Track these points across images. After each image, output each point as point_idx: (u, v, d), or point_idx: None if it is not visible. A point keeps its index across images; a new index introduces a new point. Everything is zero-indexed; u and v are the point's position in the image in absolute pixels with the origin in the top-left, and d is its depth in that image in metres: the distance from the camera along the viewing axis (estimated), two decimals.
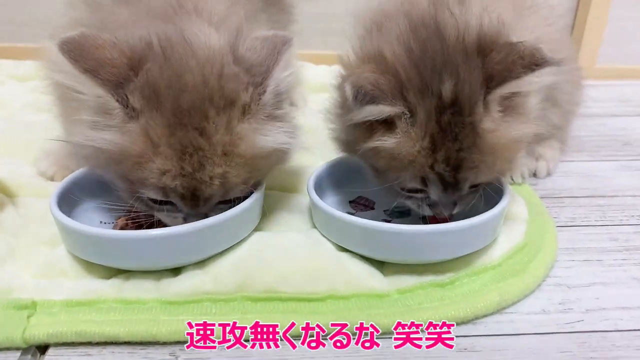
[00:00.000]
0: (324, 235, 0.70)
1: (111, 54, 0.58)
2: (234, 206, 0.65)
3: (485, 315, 0.63)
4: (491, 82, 0.60)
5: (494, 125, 0.61)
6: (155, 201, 0.62)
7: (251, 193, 0.67)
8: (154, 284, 0.63)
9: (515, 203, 0.80)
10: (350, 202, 0.81)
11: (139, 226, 0.70)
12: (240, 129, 0.60)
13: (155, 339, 0.58)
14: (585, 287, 0.69)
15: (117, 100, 0.58)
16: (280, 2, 1.05)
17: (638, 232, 0.81)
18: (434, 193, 0.65)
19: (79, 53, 0.56)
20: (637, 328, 0.62)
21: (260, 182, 0.69)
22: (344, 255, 0.67)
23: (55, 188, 0.70)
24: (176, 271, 0.65)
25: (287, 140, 0.64)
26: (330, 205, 0.69)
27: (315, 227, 0.73)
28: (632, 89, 1.44)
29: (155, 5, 0.68)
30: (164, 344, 0.58)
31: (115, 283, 0.63)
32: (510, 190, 0.70)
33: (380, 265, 0.67)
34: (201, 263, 0.65)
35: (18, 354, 0.57)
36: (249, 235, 0.69)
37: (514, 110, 0.63)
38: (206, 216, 0.64)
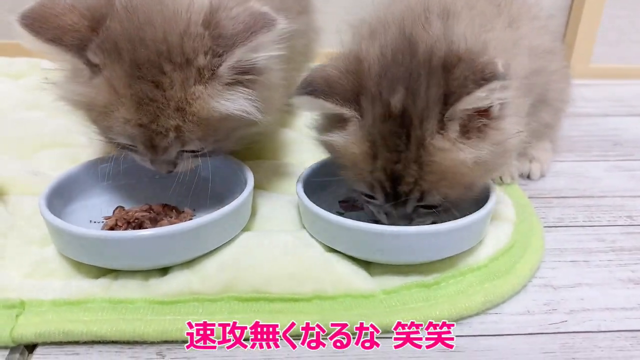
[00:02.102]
0: (312, 236, 0.71)
1: (71, 19, 0.60)
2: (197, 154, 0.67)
3: (469, 316, 0.64)
4: (449, 98, 0.59)
5: (447, 144, 0.60)
6: (125, 145, 0.66)
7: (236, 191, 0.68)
8: (142, 284, 0.64)
9: (503, 204, 0.80)
10: (340, 202, 0.81)
11: (128, 224, 0.71)
12: (196, 89, 0.62)
13: (143, 338, 0.58)
14: (571, 288, 0.70)
15: (84, 62, 0.60)
16: (311, 15, 1.05)
17: (625, 233, 0.82)
18: (380, 201, 0.66)
19: (39, 24, 0.59)
20: (620, 329, 0.63)
21: (225, 146, 0.70)
22: (332, 255, 0.67)
23: (45, 187, 0.70)
24: (164, 271, 0.65)
25: (248, 108, 0.64)
26: (319, 205, 0.69)
27: (304, 227, 0.73)
28: (625, 88, 1.45)
29: None
30: (152, 343, 0.59)
31: (103, 283, 0.64)
32: (496, 192, 0.70)
33: (367, 265, 0.68)
34: (189, 263, 0.65)
35: (6, 352, 0.58)
36: (238, 236, 0.69)
37: (479, 134, 0.61)
38: (174, 164, 0.68)
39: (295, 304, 0.63)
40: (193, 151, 0.67)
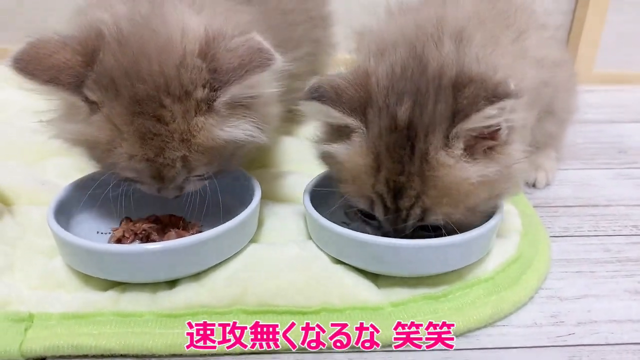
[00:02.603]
0: (319, 247, 0.71)
1: (64, 57, 0.59)
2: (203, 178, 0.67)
3: (477, 328, 0.64)
4: (457, 117, 0.59)
5: (450, 161, 0.60)
6: (130, 178, 0.65)
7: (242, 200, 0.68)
8: (150, 297, 0.64)
9: (509, 214, 0.80)
10: (345, 211, 0.81)
11: (135, 236, 0.71)
12: (198, 120, 0.61)
13: (151, 352, 0.58)
14: (577, 300, 0.70)
15: (82, 100, 0.60)
16: (329, 29, 1.06)
17: (630, 242, 0.82)
18: (379, 216, 0.65)
19: (34, 66, 0.57)
20: (627, 342, 0.63)
21: (231, 166, 0.70)
22: (339, 267, 0.68)
23: (53, 198, 0.71)
24: (172, 283, 0.66)
25: (251, 133, 0.64)
26: (325, 214, 0.69)
27: (310, 238, 0.73)
28: (628, 94, 1.45)
29: None
30: (160, 357, 0.59)
31: (111, 295, 0.64)
32: (503, 204, 0.70)
33: (374, 277, 0.68)
34: (197, 275, 0.65)
35: None
36: (245, 247, 0.69)
37: (484, 156, 0.61)
38: (180, 188, 0.67)
39: (303, 317, 0.63)
40: (199, 175, 0.66)
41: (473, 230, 0.64)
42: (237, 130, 0.63)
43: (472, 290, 0.67)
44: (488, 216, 0.67)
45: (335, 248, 0.68)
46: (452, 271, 0.67)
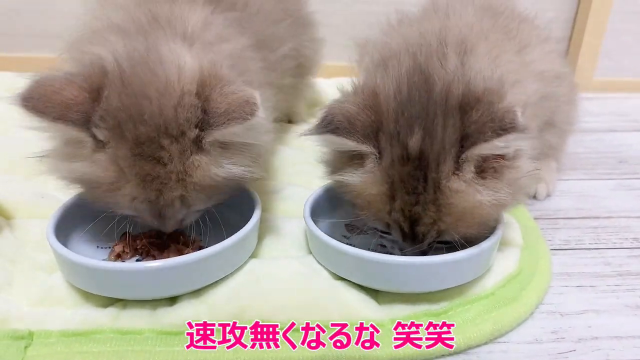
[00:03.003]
0: (319, 263, 0.71)
1: (72, 94, 0.59)
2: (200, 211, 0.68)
3: (478, 345, 0.64)
4: (466, 141, 0.59)
5: (463, 186, 0.60)
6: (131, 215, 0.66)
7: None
8: (150, 313, 0.64)
9: (510, 227, 0.80)
10: (346, 225, 0.81)
11: (135, 252, 0.71)
12: (194, 159, 0.62)
13: None
14: (578, 315, 0.69)
15: (89, 135, 0.60)
16: (311, 27, 1.09)
17: (631, 256, 0.82)
18: (396, 239, 0.66)
19: (42, 104, 0.57)
20: (628, 359, 0.63)
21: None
22: (339, 284, 0.67)
23: (52, 213, 0.70)
24: (172, 300, 0.65)
25: (246, 171, 0.65)
26: (325, 228, 0.69)
27: (311, 253, 0.73)
28: (629, 102, 1.45)
29: (130, 13, 0.70)
30: None
31: (111, 312, 0.64)
32: (504, 218, 0.70)
33: (375, 294, 0.68)
34: (197, 292, 0.65)
35: None
36: (245, 263, 0.69)
37: (494, 174, 0.61)
38: (180, 223, 0.68)
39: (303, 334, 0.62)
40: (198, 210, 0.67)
41: (474, 247, 0.64)
42: (231, 168, 0.64)
43: (473, 306, 0.67)
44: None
45: (335, 264, 0.68)
46: (453, 287, 0.67)
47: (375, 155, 0.62)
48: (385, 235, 0.68)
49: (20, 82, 1.30)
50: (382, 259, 0.63)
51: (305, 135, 0.64)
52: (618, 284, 0.75)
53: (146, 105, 0.59)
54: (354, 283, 0.68)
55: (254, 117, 0.60)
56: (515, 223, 0.83)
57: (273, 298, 0.65)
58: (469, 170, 0.60)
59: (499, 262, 0.72)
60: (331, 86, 1.24)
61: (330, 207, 0.80)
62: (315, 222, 0.71)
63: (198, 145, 0.62)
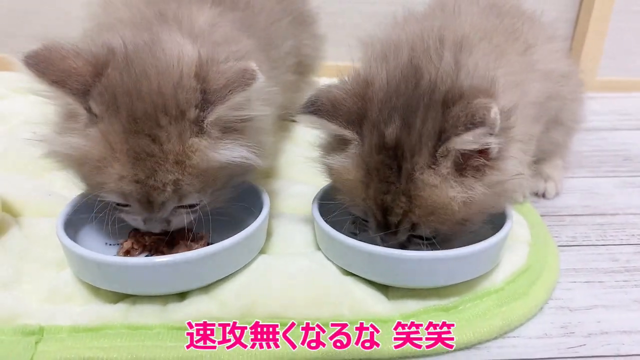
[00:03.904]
0: (328, 258, 0.71)
1: (75, 63, 0.60)
2: (193, 209, 0.66)
3: (488, 340, 0.64)
4: (443, 135, 0.59)
5: (436, 180, 0.59)
6: (117, 203, 0.64)
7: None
8: (160, 309, 0.64)
9: (518, 224, 0.80)
10: (353, 222, 0.81)
11: (144, 248, 0.71)
12: (193, 142, 0.61)
13: None
14: (587, 310, 0.70)
15: (85, 108, 0.60)
16: (312, 25, 1.09)
17: (638, 252, 0.82)
18: (372, 228, 0.66)
19: (45, 66, 0.58)
20: (638, 353, 0.63)
21: (226, 193, 0.69)
22: (349, 279, 0.67)
23: (61, 209, 0.70)
24: (182, 295, 0.65)
25: (245, 155, 0.64)
26: (333, 225, 0.69)
27: (319, 249, 0.73)
28: (632, 101, 1.46)
29: (138, 11, 0.71)
30: None
31: (121, 308, 0.64)
32: (512, 214, 0.70)
33: (384, 289, 0.68)
34: (207, 288, 0.65)
35: None
36: (254, 259, 0.69)
37: (475, 174, 0.60)
38: (167, 221, 0.66)
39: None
40: (190, 205, 0.66)
41: (482, 242, 0.64)
42: (230, 153, 0.63)
43: (482, 301, 0.67)
44: (493, 222, 0.68)
45: (344, 259, 0.68)
46: (462, 282, 0.67)
47: (357, 141, 0.63)
48: (365, 226, 0.68)
49: (22, 81, 1.30)
50: (392, 254, 0.63)
51: (294, 114, 0.65)
52: (626, 280, 0.75)
53: (145, 83, 0.60)
54: (363, 278, 0.67)
55: (255, 81, 0.60)
56: (523, 220, 0.83)
57: (283, 294, 0.65)
58: (445, 166, 0.60)
59: (508, 258, 0.72)
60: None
61: (338, 203, 0.80)
62: (323, 218, 0.71)
63: (199, 126, 0.61)
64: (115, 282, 0.63)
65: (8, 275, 0.67)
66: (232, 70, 0.62)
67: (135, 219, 0.67)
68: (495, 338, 0.64)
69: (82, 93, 0.59)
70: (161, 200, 0.62)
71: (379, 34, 0.81)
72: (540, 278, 0.71)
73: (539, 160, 0.94)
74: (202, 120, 0.61)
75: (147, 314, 0.63)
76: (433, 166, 0.60)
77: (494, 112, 0.55)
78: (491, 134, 0.56)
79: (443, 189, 0.60)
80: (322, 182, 0.81)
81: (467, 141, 0.57)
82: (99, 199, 0.64)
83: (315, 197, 0.76)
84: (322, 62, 1.18)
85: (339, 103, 0.62)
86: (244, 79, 0.61)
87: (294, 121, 1.17)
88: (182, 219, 0.67)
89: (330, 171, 0.67)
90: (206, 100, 0.61)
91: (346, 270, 0.69)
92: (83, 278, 0.65)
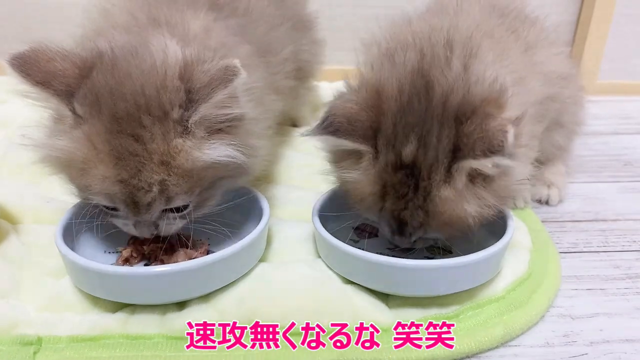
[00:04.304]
0: (328, 266, 0.70)
1: (62, 65, 0.60)
2: (181, 214, 0.65)
3: (489, 349, 0.63)
4: (457, 153, 0.59)
5: (452, 194, 0.61)
6: (107, 207, 0.64)
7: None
8: (160, 318, 0.63)
9: (519, 231, 0.80)
10: (354, 228, 0.81)
11: (143, 256, 0.71)
12: (177, 142, 0.61)
13: None
14: (589, 318, 0.69)
15: (69, 110, 0.60)
16: (311, 31, 1.08)
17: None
18: (386, 234, 0.68)
19: (30, 67, 0.59)
20: None
21: (217, 194, 0.69)
22: (349, 287, 0.67)
23: (60, 217, 0.70)
24: (182, 304, 0.65)
25: (232, 154, 0.64)
26: (334, 232, 0.69)
27: (320, 257, 0.73)
28: (633, 105, 1.45)
29: (133, 17, 0.72)
30: None
31: (120, 317, 0.63)
32: (513, 222, 0.70)
33: (385, 297, 0.67)
34: (206, 297, 0.65)
35: None
36: (254, 267, 0.69)
37: (483, 182, 0.62)
38: (155, 225, 0.65)
39: None
40: (177, 209, 0.65)
41: (483, 251, 0.64)
42: (216, 153, 0.62)
43: (484, 310, 0.66)
44: (494, 229, 0.68)
45: (345, 268, 0.68)
46: (463, 291, 0.67)
47: (372, 154, 0.63)
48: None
49: (22, 85, 1.29)
50: (392, 263, 0.63)
51: (306, 135, 0.64)
52: (628, 287, 0.75)
53: (128, 83, 0.60)
54: (363, 287, 0.67)
55: (237, 77, 0.60)
56: (524, 226, 0.83)
57: (283, 302, 0.64)
58: (460, 180, 0.61)
59: (509, 265, 0.72)
60: (334, 90, 1.25)
61: (339, 210, 0.80)
62: (323, 226, 0.71)
63: (183, 126, 0.61)
64: (114, 292, 0.63)
65: (6, 284, 0.67)
66: (215, 68, 0.62)
67: (126, 224, 0.66)
68: (497, 347, 0.64)
69: (67, 94, 0.60)
70: (147, 200, 0.62)
71: (383, 33, 0.81)
72: (541, 286, 0.71)
73: (542, 164, 0.94)
74: (187, 120, 0.61)
75: (146, 324, 0.63)
76: (449, 181, 0.61)
77: (511, 137, 0.56)
78: (509, 157, 0.58)
79: (458, 203, 0.61)
80: (322, 188, 0.80)
81: (484, 165, 0.59)
82: (88, 202, 0.64)
83: (315, 205, 0.75)
84: (322, 67, 1.18)
85: (354, 119, 0.62)
86: (226, 76, 0.60)
87: (294, 126, 1.18)
88: (170, 224, 0.66)
89: (344, 184, 0.67)
90: (190, 99, 0.61)
91: (347, 279, 0.68)
92: (82, 287, 0.65)
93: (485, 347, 0.63)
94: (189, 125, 0.61)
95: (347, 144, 0.62)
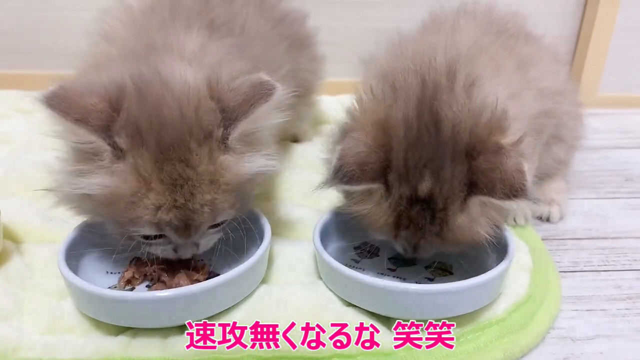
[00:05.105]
0: (329, 289, 0.71)
1: (92, 100, 0.60)
2: (219, 228, 0.67)
3: None
4: (474, 188, 0.61)
5: (467, 222, 0.63)
6: (147, 237, 0.64)
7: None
8: (161, 342, 0.63)
9: (520, 251, 0.80)
10: (355, 247, 0.81)
11: (145, 278, 0.71)
12: (222, 159, 0.62)
13: None
14: (590, 340, 0.69)
15: (109, 144, 0.59)
16: (309, 48, 1.08)
17: None
18: (400, 252, 0.71)
19: (66, 105, 0.58)
20: None
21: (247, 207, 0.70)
22: (350, 310, 0.67)
23: (63, 238, 0.70)
24: (183, 328, 0.65)
25: (268, 164, 0.66)
26: (334, 251, 0.69)
27: (321, 278, 0.73)
28: (634, 118, 1.45)
29: (129, 44, 0.72)
30: None
31: (122, 340, 0.63)
32: (514, 244, 0.70)
33: (386, 321, 0.67)
34: (208, 320, 0.65)
35: None
36: (256, 289, 0.69)
37: (489, 211, 0.64)
38: (197, 244, 0.66)
39: None
40: (218, 224, 0.66)
41: (484, 275, 0.64)
42: (254, 164, 0.65)
43: (484, 332, 0.66)
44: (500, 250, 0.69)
45: (346, 291, 0.68)
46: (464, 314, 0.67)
47: (383, 190, 0.64)
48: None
49: (26, 100, 1.30)
50: (394, 287, 0.63)
51: (320, 188, 0.66)
52: (629, 308, 0.75)
53: (167, 111, 0.60)
54: (364, 310, 0.67)
55: (275, 91, 0.63)
56: (524, 245, 0.83)
57: (284, 325, 0.64)
58: (475, 210, 0.63)
59: (510, 287, 0.72)
60: (336, 103, 1.26)
61: (339, 230, 0.80)
62: (324, 245, 0.71)
63: (224, 144, 0.63)
64: (116, 316, 0.63)
65: (9, 306, 0.67)
66: (246, 85, 0.63)
67: (165, 249, 0.67)
68: None
69: (104, 129, 0.59)
70: (199, 221, 0.63)
71: (381, 52, 0.81)
72: (541, 307, 0.71)
73: (542, 180, 0.94)
74: (227, 138, 0.63)
75: (147, 347, 0.63)
76: (463, 209, 0.62)
77: (529, 177, 0.59)
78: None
79: (473, 227, 0.64)
80: (321, 206, 0.81)
81: (507, 204, 0.61)
82: (124, 235, 0.63)
83: (316, 225, 0.75)
84: (322, 82, 1.18)
85: (364, 163, 0.62)
86: (264, 91, 0.63)
87: (295, 141, 1.18)
88: (210, 239, 0.68)
89: (357, 217, 0.68)
90: (227, 118, 0.62)
91: (347, 302, 0.68)
92: (84, 310, 0.65)
93: None
94: (229, 142, 0.63)
95: (360, 188, 0.64)
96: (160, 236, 0.64)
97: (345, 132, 0.67)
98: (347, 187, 0.64)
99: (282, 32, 0.98)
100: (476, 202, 0.62)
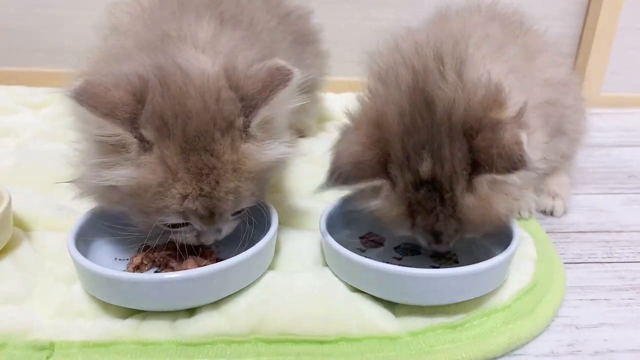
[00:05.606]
0: (335, 275, 0.71)
1: (118, 94, 0.60)
2: (243, 215, 0.69)
3: (495, 358, 0.64)
4: (476, 167, 0.61)
5: (479, 201, 0.63)
6: (172, 225, 0.66)
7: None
8: (170, 325, 0.64)
9: (524, 241, 0.81)
10: (360, 237, 0.82)
11: (154, 264, 0.72)
12: (244, 148, 0.64)
13: None
14: (594, 328, 0.70)
15: (135, 136, 0.60)
16: (313, 44, 1.10)
17: None
18: (424, 245, 0.71)
19: (94, 100, 0.59)
20: None
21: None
22: (357, 296, 0.68)
23: (72, 224, 0.71)
24: (192, 311, 0.66)
25: (287, 151, 0.68)
26: (340, 241, 0.70)
27: (327, 265, 0.74)
28: (636, 117, 1.46)
29: (143, 36, 0.73)
30: None
31: (131, 323, 0.64)
32: (519, 232, 0.71)
33: (392, 306, 0.68)
34: (216, 304, 0.66)
35: None
36: (263, 275, 0.70)
37: (502, 188, 0.64)
38: (219, 230, 0.68)
39: (321, 346, 0.63)
40: (239, 212, 0.68)
41: (490, 260, 0.65)
42: (275, 151, 0.66)
43: (490, 318, 0.67)
44: (500, 240, 0.70)
45: (351, 277, 0.69)
46: (470, 299, 0.68)
47: (389, 184, 0.64)
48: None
49: (33, 96, 1.31)
50: (400, 272, 0.64)
51: (319, 191, 0.67)
52: (632, 298, 0.76)
53: (189, 102, 0.61)
54: (370, 295, 0.68)
55: (293, 76, 0.64)
56: (529, 237, 0.83)
57: (291, 310, 0.65)
58: (482, 189, 0.63)
59: (515, 275, 0.73)
60: (341, 101, 1.27)
61: (345, 220, 0.81)
62: (330, 235, 0.72)
63: (246, 132, 0.64)
64: (125, 298, 0.64)
65: (19, 290, 0.68)
66: (264, 71, 0.65)
67: (188, 238, 0.68)
68: (502, 356, 0.64)
69: (131, 122, 0.60)
70: (223, 209, 0.65)
71: (379, 49, 0.82)
72: (546, 295, 0.72)
73: (546, 175, 0.95)
74: (248, 126, 0.64)
75: (156, 330, 0.63)
76: (471, 190, 0.63)
77: (527, 146, 0.58)
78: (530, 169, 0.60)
79: (487, 206, 0.63)
80: (328, 197, 0.81)
81: (509, 178, 0.61)
82: (151, 224, 0.65)
83: (323, 214, 0.76)
84: (326, 79, 1.19)
85: (359, 161, 0.63)
86: (282, 76, 0.64)
87: (301, 136, 1.19)
88: (231, 226, 0.70)
89: (371, 213, 0.69)
90: (247, 106, 0.64)
91: (353, 287, 0.69)
92: (93, 293, 0.66)
93: (491, 355, 0.63)
94: (250, 130, 0.64)
95: (361, 186, 0.65)
96: (185, 224, 0.66)
97: (342, 134, 0.68)
98: (347, 187, 0.65)
99: (287, 28, 0.99)
100: (482, 182, 0.62)
